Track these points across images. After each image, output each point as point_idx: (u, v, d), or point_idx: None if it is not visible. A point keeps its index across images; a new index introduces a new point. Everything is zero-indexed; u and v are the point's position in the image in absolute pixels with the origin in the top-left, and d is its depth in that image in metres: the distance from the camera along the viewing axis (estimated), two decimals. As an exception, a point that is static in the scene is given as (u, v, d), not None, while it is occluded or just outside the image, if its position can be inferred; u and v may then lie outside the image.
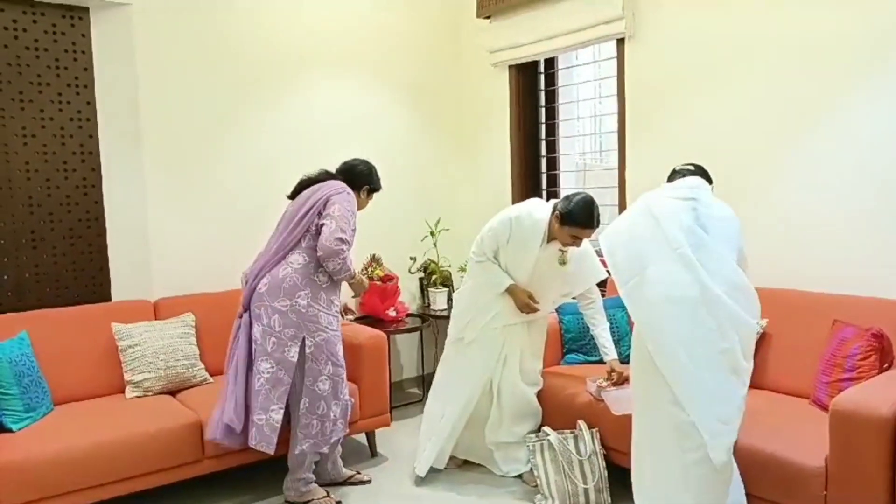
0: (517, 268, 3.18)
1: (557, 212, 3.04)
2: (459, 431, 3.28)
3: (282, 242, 2.97)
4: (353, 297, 3.35)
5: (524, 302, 3.16)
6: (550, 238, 3.13)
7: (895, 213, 2.88)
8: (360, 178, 3.14)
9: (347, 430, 3.17)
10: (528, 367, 3.29)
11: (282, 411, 2.90)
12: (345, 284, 3.14)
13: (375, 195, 3.25)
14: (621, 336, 3.44)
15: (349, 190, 3.03)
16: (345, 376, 3.05)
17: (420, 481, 3.28)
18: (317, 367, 2.93)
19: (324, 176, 3.10)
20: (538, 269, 3.16)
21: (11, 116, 3.40)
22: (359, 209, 3.10)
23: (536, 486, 3.03)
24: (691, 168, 2.71)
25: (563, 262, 3.15)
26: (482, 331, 3.23)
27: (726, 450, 2.30)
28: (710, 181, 2.71)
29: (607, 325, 3.30)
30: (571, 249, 3.14)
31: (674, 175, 2.73)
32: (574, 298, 3.36)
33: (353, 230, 2.93)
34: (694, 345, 2.29)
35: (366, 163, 3.20)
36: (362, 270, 4.30)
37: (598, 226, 3.04)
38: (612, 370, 3.10)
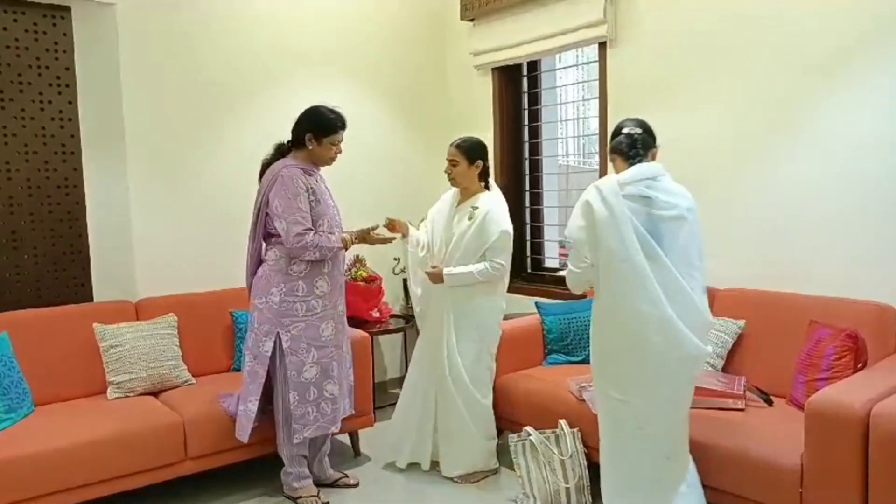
0: (437, 237, 3.36)
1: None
2: (410, 420, 3.39)
3: (253, 244, 3.04)
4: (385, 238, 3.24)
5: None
6: (460, 202, 3.34)
7: (872, 216, 2.94)
8: (299, 129, 2.98)
9: (353, 410, 3.26)
10: (467, 360, 3.27)
11: (257, 402, 2.97)
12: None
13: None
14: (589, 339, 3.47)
15: (283, 170, 2.90)
16: (335, 354, 3.04)
17: (404, 481, 3.32)
18: (298, 359, 2.94)
19: (274, 154, 3.03)
20: (453, 230, 3.29)
21: (-8, 116, 3.38)
22: (322, 162, 3.01)
23: (476, 483, 3.23)
24: (639, 131, 2.60)
25: (471, 218, 3.24)
26: (423, 316, 3.41)
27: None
28: (654, 141, 2.64)
29: (479, 269, 3.21)
30: (479, 209, 3.22)
31: (618, 134, 2.62)
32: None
33: (305, 209, 2.87)
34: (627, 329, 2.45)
35: (307, 109, 3.00)
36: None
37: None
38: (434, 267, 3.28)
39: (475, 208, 3.25)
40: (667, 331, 2.39)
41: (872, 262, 2.95)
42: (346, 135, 3.05)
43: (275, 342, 2.95)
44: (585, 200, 2.49)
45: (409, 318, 4.49)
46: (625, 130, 2.62)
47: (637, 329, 2.43)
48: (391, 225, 3.31)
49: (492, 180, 3.41)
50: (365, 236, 3.13)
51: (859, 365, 2.67)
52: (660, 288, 2.37)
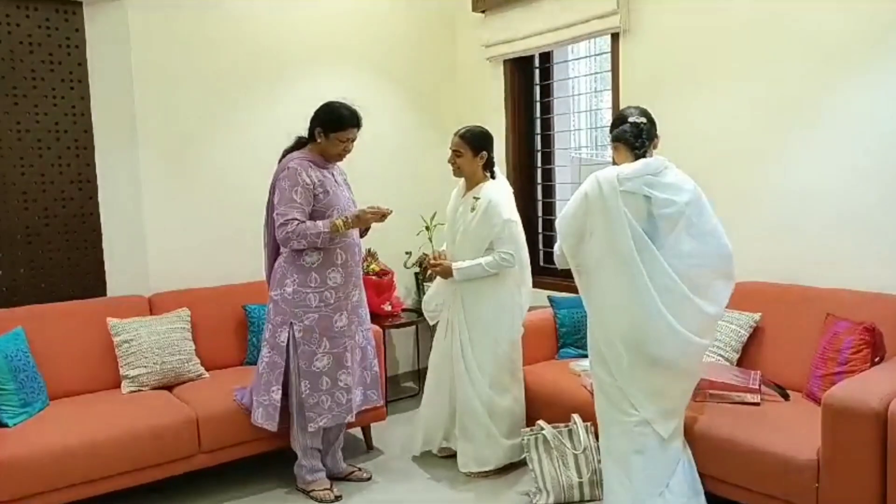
0: (448, 228, 3.36)
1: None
2: (433, 411, 3.38)
3: (269, 237, 3.04)
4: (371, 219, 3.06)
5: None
6: (464, 194, 3.29)
7: (889, 209, 2.90)
8: (312, 123, 2.99)
9: (382, 402, 3.30)
10: (484, 362, 3.23)
11: (280, 391, 2.99)
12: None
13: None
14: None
15: (289, 163, 2.92)
16: (350, 345, 3.04)
17: (416, 474, 3.32)
18: (310, 349, 2.95)
19: (294, 146, 3.05)
20: (458, 223, 3.26)
21: (5, 112, 3.39)
22: (329, 157, 3.00)
23: (489, 477, 3.23)
24: (644, 120, 2.59)
25: (473, 209, 3.20)
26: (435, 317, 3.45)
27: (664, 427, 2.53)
28: (656, 130, 2.65)
29: (487, 261, 3.15)
30: (481, 199, 3.16)
31: (622, 122, 2.61)
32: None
33: (299, 201, 2.87)
34: (628, 340, 2.49)
35: (324, 103, 2.99)
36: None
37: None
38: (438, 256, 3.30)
39: (477, 199, 3.20)
40: (657, 325, 2.44)
41: (890, 255, 2.90)
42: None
43: (289, 333, 2.96)
44: (584, 193, 2.54)
45: (420, 312, 4.48)
46: (630, 119, 2.61)
47: (627, 323, 2.49)
48: (436, 260, 3.29)
49: (497, 169, 3.33)
50: (359, 216, 2.97)
51: (877, 359, 2.65)
52: (650, 282, 2.43)
